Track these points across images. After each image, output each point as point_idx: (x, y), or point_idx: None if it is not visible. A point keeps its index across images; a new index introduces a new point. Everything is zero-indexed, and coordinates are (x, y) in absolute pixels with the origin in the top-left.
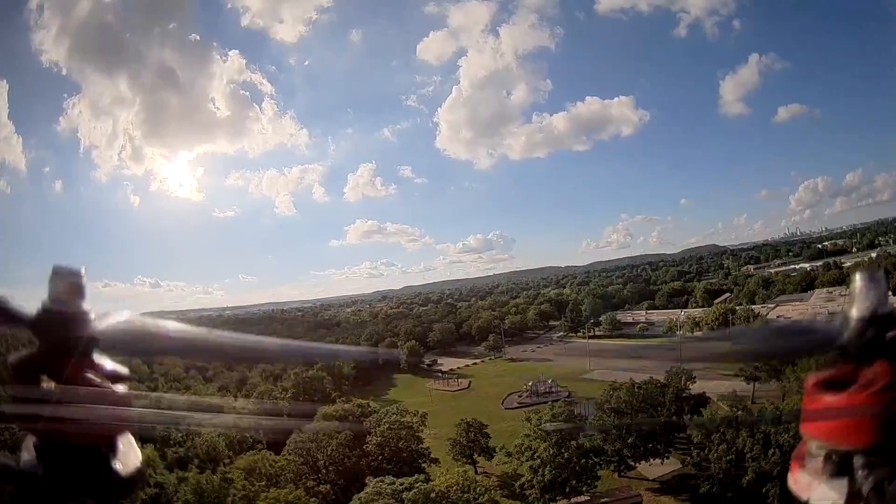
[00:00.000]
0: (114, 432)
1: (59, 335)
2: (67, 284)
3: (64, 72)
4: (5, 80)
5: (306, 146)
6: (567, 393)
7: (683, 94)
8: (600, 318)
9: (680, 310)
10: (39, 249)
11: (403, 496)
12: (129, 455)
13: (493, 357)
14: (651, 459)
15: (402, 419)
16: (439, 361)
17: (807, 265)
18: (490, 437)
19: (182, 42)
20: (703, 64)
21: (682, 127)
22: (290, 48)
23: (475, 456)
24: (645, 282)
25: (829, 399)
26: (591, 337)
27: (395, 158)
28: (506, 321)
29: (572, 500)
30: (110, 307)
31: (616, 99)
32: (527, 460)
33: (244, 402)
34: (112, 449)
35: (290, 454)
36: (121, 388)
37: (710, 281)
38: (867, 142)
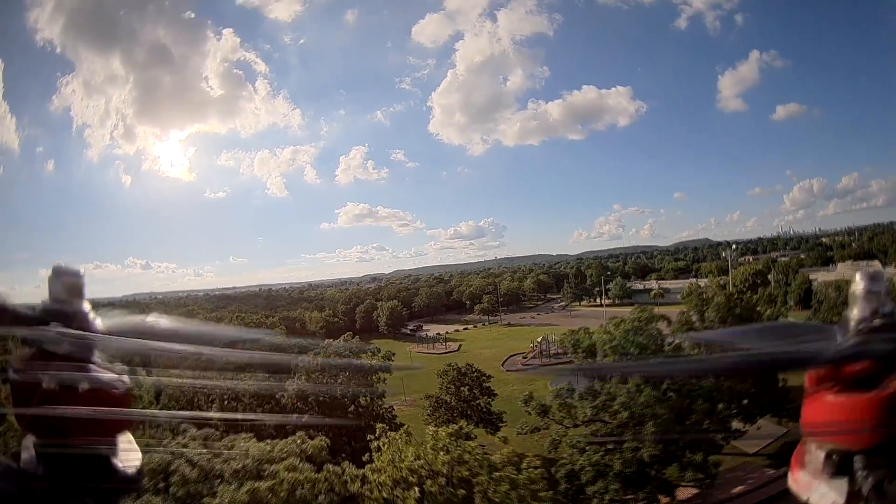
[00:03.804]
0: (114, 432)
1: (60, 335)
2: (67, 284)
3: (58, 50)
4: (1, 60)
5: (299, 127)
6: None
7: (681, 88)
8: (608, 287)
9: (694, 279)
10: (33, 230)
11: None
12: (129, 455)
13: (486, 322)
14: (749, 423)
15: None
16: (424, 327)
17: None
18: (496, 395)
19: (176, 20)
20: (702, 58)
21: (678, 120)
22: (285, 26)
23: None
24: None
25: (830, 399)
26: (602, 305)
27: (387, 142)
28: (500, 288)
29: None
30: (103, 289)
31: (613, 89)
32: (586, 420)
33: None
34: (112, 449)
35: None
36: (121, 388)
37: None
38: (864, 146)
